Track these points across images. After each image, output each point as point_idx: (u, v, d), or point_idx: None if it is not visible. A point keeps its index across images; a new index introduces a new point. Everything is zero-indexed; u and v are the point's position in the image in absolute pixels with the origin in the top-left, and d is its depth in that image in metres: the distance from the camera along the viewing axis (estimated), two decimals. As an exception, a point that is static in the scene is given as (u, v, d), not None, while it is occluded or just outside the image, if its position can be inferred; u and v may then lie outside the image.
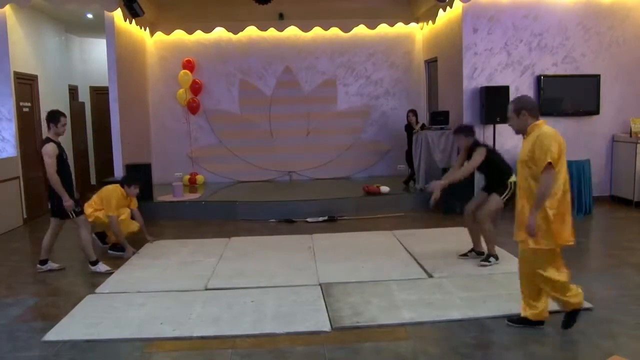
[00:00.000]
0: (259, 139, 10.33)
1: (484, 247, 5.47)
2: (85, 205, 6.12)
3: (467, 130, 5.52)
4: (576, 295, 3.67)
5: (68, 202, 5.33)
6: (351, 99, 10.46)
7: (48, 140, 5.32)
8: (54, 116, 5.35)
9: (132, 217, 6.37)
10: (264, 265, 5.51)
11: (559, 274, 3.63)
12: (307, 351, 3.58)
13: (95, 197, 6.23)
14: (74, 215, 5.43)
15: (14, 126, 7.93)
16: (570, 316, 3.72)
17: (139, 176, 6.97)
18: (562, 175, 3.58)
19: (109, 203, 6.03)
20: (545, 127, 3.63)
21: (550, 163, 3.46)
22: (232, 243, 6.52)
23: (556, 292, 3.66)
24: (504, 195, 5.29)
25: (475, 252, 5.58)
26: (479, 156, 5.29)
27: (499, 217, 5.86)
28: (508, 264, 5.30)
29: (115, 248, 6.21)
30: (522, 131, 3.75)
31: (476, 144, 5.45)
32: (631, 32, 8.43)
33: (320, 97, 10.36)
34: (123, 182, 6.38)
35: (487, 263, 5.30)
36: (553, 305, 4.12)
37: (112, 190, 6.18)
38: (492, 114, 8.00)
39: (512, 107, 3.74)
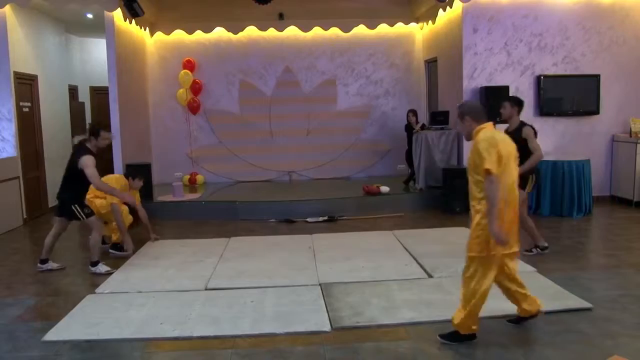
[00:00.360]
0: (259, 139, 10.33)
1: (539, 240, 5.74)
2: None
3: (515, 100, 5.74)
4: (465, 320, 3.57)
5: (128, 198, 5.66)
6: (351, 99, 10.47)
7: (86, 150, 5.30)
8: (95, 131, 5.42)
9: (131, 212, 6.38)
10: (264, 265, 5.51)
11: (477, 294, 3.53)
12: (307, 351, 3.58)
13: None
14: (84, 217, 5.43)
15: (14, 126, 7.92)
16: (453, 334, 3.65)
17: (144, 172, 7.03)
18: (504, 184, 3.42)
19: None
20: (487, 131, 3.50)
21: (488, 169, 3.35)
22: (232, 243, 6.52)
23: (464, 299, 3.61)
24: (529, 187, 5.56)
25: (540, 248, 5.74)
26: (530, 134, 5.50)
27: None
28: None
29: (116, 248, 6.20)
30: (468, 136, 3.65)
31: (522, 123, 5.65)
32: (631, 32, 8.44)
33: (320, 97, 10.36)
34: (128, 174, 6.43)
35: (528, 252, 5.62)
36: (553, 306, 4.13)
37: (116, 178, 6.19)
38: (492, 114, 7.94)
39: (457, 112, 3.69)
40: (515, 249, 3.60)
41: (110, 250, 6.22)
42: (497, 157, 3.37)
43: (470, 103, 3.72)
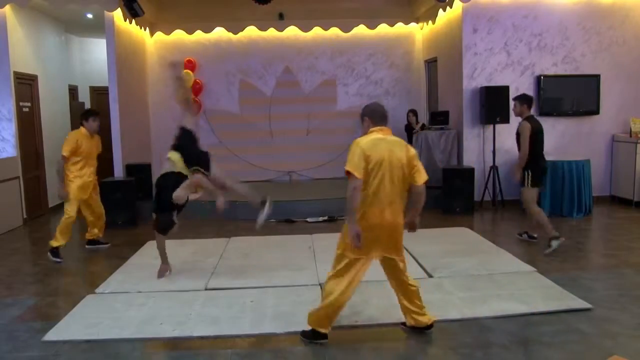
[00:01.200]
0: (259, 139, 10.33)
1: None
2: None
3: (522, 98, 6.04)
4: (316, 316, 3.63)
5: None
6: (351, 99, 10.46)
7: None
8: None
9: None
10: (264, 265, 5.51)
11: (332, 285, 3.60)
12: (307, 351, 3.58)
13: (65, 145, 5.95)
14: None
15: (14, 126, 7.92)
16: (304, 333, 3.69)
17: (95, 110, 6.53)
18: (369, 189, 3.44)
19: (72, 147, 5.82)
20: (370, 135, 3.51)
21: (347, 171, 3.39)
22: (232, 243, 6.52)
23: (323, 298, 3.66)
24: (527, 183, 5.85)
25: (527, 236, 6.25)
26: (523, 131, 5.83)
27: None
28: (508, 264, 5.31)
29: (93, 242, 6.26)
30: None
31: (526, 118, 5.92)
32: (631, 32, 8.43)
33: (320, 97, 10.36)
34: (80, 121, 6.09)
35: (548, 249, 5.70)
36: (554, 306, 4.12)
37: (74, 134, 5.99)
38: (492, 114, 8.01)
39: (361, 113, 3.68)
40: (380, 255, 3.59)
41: (87, 245, 6.28)
42: (364, 162, 3.38)
43: (373, 106, 3.66)
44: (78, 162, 5.93)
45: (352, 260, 3.56)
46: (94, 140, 6.16)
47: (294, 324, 3.97)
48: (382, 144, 3.48)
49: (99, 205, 6.35)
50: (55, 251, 5.86)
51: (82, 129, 6.03)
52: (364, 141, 3.48)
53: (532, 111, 8.20)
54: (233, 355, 3.55)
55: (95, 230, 6.36)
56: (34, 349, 3.70)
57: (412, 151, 3.57)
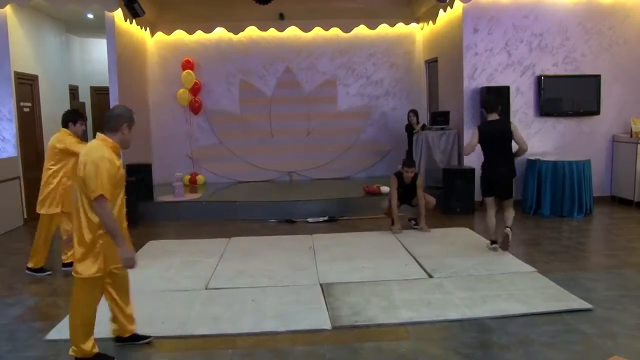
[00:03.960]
0: (259, 139, 10.34)
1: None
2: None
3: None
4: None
5: None
6: (351, 99, 10.47)
7: None
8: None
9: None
10: (264, 265, 5.51)
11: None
12: (307, 350, 3.58)
13: (49, 161, 5.10)
14: None
15: (14, 126, 7.93)
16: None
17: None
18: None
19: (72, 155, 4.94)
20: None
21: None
22: (232, 243, 6.52)
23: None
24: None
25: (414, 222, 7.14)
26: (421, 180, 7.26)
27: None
28: (508, 264, 5.31)
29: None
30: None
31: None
32: (631, 33, 8.43)
33: (320, 98, 10.36)
34: (67, 121, 5.10)
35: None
36: (554, 306, 4.12)
37: (58, 139, 5.08)
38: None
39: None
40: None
41: (64, 268, 5.44)
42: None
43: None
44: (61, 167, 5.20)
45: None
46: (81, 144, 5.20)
47: (294, 323, 3.98)
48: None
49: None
50: (39, 269, 5.39)
51: (69, 134, 5.15)
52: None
53: (533, 111, 8.38)
54: (233, 354, 3.56)
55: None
56: (34, 349, 3.70)
57: (89, 159, 3.13)
